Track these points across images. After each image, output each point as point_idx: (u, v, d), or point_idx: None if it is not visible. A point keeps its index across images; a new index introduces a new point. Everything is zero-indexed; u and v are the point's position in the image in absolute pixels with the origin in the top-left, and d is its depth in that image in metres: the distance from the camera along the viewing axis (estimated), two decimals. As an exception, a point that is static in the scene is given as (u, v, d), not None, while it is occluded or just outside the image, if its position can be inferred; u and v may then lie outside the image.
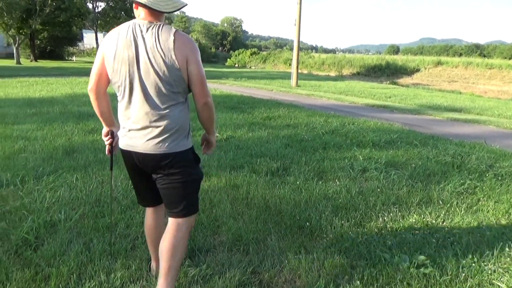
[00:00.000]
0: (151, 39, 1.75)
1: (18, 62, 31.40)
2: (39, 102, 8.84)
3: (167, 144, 1.84)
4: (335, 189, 3.74)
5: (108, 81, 1.88)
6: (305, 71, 44.54)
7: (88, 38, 54.67)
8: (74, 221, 2.91)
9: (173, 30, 1.78)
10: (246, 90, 14.42)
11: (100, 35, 54.47)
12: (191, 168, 1.95)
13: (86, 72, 21.59)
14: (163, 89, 1.78)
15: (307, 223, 2.95)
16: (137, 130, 1.84)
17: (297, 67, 17.47)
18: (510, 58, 72.98)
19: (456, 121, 8.77)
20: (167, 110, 1.82)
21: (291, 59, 53.43)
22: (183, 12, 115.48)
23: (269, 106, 9.05)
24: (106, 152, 2.13)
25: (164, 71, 1.75)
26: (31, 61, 37.24)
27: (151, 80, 1.77)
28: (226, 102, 9.29)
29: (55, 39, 42.95)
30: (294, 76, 17.26)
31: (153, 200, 2.11)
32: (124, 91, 1.82)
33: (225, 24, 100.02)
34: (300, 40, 17.84)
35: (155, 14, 1.80)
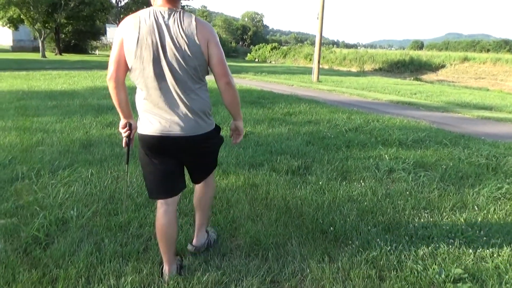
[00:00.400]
0: (174, 25, 1.81)
1: (43, 56, 32.06)
2: (60, 95, 8.88)
3: (203, 124, 1.96)
4: (360, 190, 3.52)
5: (127, 69, 1.88)
6: (326, 67, 43.85)
7: (111, 32, 55.42)
8: (86, 218, 2.79)
9: (193, 16, 1.86)
10: (266, 84, 14.20)
11: (111, 29, 55.16)
12: (218, 139, 2.16)
13: (107, 66, 21.70)
14: (190, 73, 1.85)
15: (331, 228, 2.75)
16: (171, 115, 1.88)
17: (319, 61, 17.12)
18: (542, 54, 70.24)
19: (487, 120, 8.33)
20: (197, 92, 1.90)
21: (312, 54, 52.63)
22: (204, 7, 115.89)
23: (290, 101, 8.82)
24: (123, 145, 2.12)
25: (189, 55, 1.82)
26: (56, 54, 38.02)
27: (178, 65, 1.82)
28: (246, 97, 9.11)
29: (79, 33, 43.76)
30: (315, 71, 16.92)
31: (173, 188, 2.07)
32: (148, 77, 1.83)
33: (246, 19, 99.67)
34: (323, 35, 17.45)
35: (173, 0, 1.86)
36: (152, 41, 1.79)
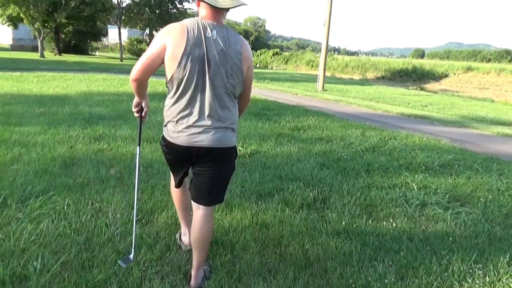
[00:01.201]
0: (222, 41, 1.84)
1: (42, 56, 31.49)
2: (51, 100, 8.26)
3: (230, 138, 2.00)
4: (392, 234, 2.90)
5: (155, 70, 1.89)
6: (328, 74, 43.31)
7: (113, 33, 54.95)
8: (52, 274, 2.17)
9: (239, 35, 1.93)
10: (270, 93, 13.61)
11: (123, 30, 54.74)
12: (234, 160, 2.16)
13: (106, 68, 21.26)
14: (228, 89, 1.90)
15: (366, 295, 2.14)
16: (203, 126, 1.90)
17: (324, 70, 16.55)
18: (543, 66, 69.87)
19: (508, 137, 7.74)
20: (230, 109, 1.95)
21: (314, 61, 52.13)
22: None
23: (297, 113, 8.22)
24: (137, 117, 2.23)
25: (231, 73, 1.87)
26: (55, 54, 37.46)
27: (220, 80, 1.86)
28: (250, 107, 8.49)
29: (80, 33, 43.25)
30: (320, 79, 16.35)
31: (184, 177, 2.26)
32: (189, 88, 1.86)
33: (248, 24, 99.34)
34: (322, 43, 16.83)
35: (218, 12, 1.87)
36: (199, 54, 1.81)
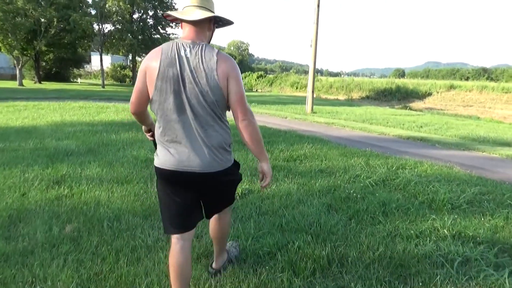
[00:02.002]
0: (195, 59, 1.78)
1: (21, 84, 30.40)
2: (15, 133, 7.38)
3: (220, 161, 1.89)
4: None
5: (148, 99, 1.87)
6: (314, 95, 43.29)
7: (96, 60, 54.15)
8: None
9: (215, 50, 1.82)
10: (258, 117, 12.84)
11: (106, 57, 54.07)
12: (236, 176, 2.13)
13: (85, 95, 20.34)
14: (208, 107, 1.81)
15: None
16: (188, 149, 1.83)
17: (313, 91, 16.03)
18: (519, 82, 71.76)
19: (519, 160, 7.14)
20: (215, 128, 1.86)
21: (298, 83, 52.25)
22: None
23: (289, 140, 7.50)
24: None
25: (207, 90, 1.79)
26: (35, 83, 36.37)
27: (196, 99, 1.79)
28: (237, 134, 7.77)
29: (61, 60, 42.39)
30: (309, 101, 15.80)
31: (190, 221, 2.02)
32: (168, 110, 1.81)
33: (232, 48, 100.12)
34: (306, 63, 16.38)
35: (195, 30, 1.85)
36: (173, 74, 1.77)
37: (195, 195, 1.97)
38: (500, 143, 9.08)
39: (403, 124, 12.04)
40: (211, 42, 2.03)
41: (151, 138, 2.21)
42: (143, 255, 2.70)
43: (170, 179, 1.90)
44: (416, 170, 5.38)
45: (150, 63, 1.79)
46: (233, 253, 2.61)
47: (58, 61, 42.82)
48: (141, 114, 2.01)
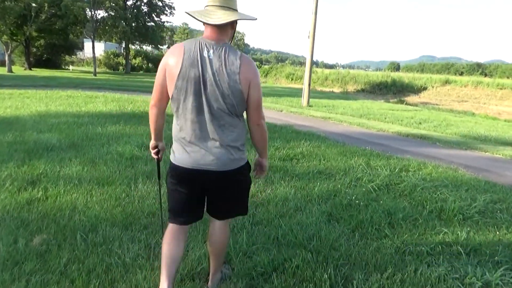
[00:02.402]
0: (218, 61, 1.78)
1: (10, 71, 29.57)
2: (-5, 124, 6.93)
3: (236, 159, 1.91)
4: None
5: (169, 96, 1.87)
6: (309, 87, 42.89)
7: (89, 46, 53.03)
8: None
9: (239, 53, 1.82)
10: (253, 110, 12.52)
11: (100, 44, 52.93)
12: (246, 176, 2.06)
13: (75, 84, 19.72)
14: (227, 109, 1.82)
15: None
16: (205, 148, 1.86)
17: (309, 84, 15.64)
18: (513, 78, 71.99)
19: (523, 162, 6.87)
20: (233, 128, 1.88)
21: (293, 74, 51.79)
22: (186, 24, 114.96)
23: (286, 136, 7.15)
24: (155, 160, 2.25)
25: (228, 94, 1.79)
26: (25, 69, 35.50)
27: (216, 101, 1.79)
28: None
29: (52, 47, 41.33)
30: (305, 94, 15.43)
31: (195, 215, 2.09)
32: (187, 109, 1.82)
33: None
34: (301, 55, 15.93)
35: (216, 30, 1.82)
36: (195, 75, 1.77)
37: (203, 193, 2.00)
38: (502, 143, 8.80)
39: (401, 120, 11.74)
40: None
41: (156, 157, 2.20)
42: (118, 276, 2.34)
43: (185, 177, 1.93)
44: (420, 173, 5.06)
45: (170, 61, 1.80)
46: (227, 274, 2.43)
47: (49, 48, 41.77)
48: (160, 110, 1.97)
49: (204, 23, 1.82)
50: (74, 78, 25.40)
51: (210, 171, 1.87)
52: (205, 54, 1.77)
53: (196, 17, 1.79)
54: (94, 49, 35.79)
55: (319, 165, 5.21)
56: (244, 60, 1.81)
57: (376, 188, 4.25)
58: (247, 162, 2.02)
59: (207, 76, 1.77)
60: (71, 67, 47.31)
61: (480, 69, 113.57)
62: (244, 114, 1.94)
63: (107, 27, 36.70)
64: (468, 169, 5.82)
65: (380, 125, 10.42)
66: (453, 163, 6.20)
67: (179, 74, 1.76)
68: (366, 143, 7.42)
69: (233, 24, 1.88)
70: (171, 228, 2.05)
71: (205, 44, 1.79)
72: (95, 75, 33.32)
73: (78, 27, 35.76)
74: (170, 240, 2.02)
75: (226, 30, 1.85)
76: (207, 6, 1.85)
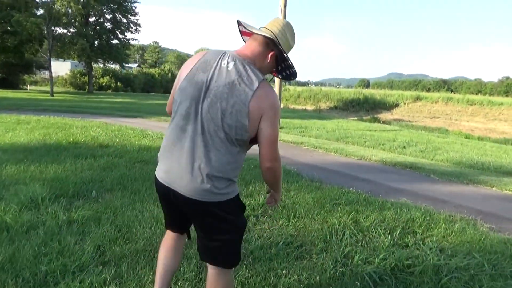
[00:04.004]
0: (235, 75, 1.60)
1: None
2: None
3: (211, 191, 1.62)
4: None
5: None
6: (281, 105, 41.97)
7: (57, 66, 50.08)
8: None
9: (262, 78, 1.63)
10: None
11: (64, 62, 50.06)
12: (234, 215, 1.73)
13: (19, 106, 17.18)
14: (221, 129, 1.59)
15: None
16: (180, 165, 1.64)
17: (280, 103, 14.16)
18: (477, 93, 74.22)
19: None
20: (221, 153, 1.62)
21: (267, 92, 51.24)
22: (156, 42, 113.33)
23: (246, 177, 5.50)
24: None
25: (231, 112, 1.57)
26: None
27: (214, 115, 1.58)
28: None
29: (9, 66, 38.46)
30: (275, 115, 13.93)
31: (184, 226, 1.99)
32: (181, 114, 1.65)
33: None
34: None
35: (251, 44, 1.70)
36: (201, 80, 1.62)
37: (180, 211, 1.79)
38: (503, 172, 7.49)
39: (383, 144, 10.37)
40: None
41: None
42: None
43: (159, 190, 1.78)
44: (433, 237, 3.49)
45: (185, 64, 1.72)
46: None
47: (5, 67, 38.91)
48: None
49: (243, 33, 1.77)
50: (23, 99, 23.04)
51: (179, 193, 1.64)
52: (224, 64, 1.61)
53: (246, 26, 1.70)
54: (51, 67, 33.34)
55: (287, 227, 3.57)
56: (264, 85, 1.60)
57: (378, 279, 2.63)
58: (234, 199, 1.69)
59: (214, 85, 1.58)
60: (29, 87, 44.36)
61: (446, 85, 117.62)
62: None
63: (65, 45, 34.37)
64: (485, 219, 4.36)
65: (361, 152, 8.96)
66: (462, 208, 4.74)
67: (187, 74, 1.65)
68: (348, 180, 5.88)
69: (272, 56, 1.69)
70: (166, 233, 2.02)
71: (230, 56, 1.63)
72: (52, 95, 30.88)
73: (33, 45, 33.31)
74: (166, 242, 2.00)
75: (263, 55, 1.68)
76: (262, 27, 1.74)
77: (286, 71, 1.78)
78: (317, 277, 2.62)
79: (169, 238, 2.01)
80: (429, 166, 7.55)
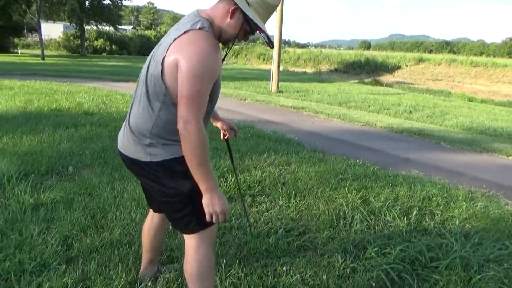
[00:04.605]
0: (173, 31, 1.48)
1: None
2: None
3: (136, 148, 1.55)
4: None
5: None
6: (280, 68, 40.79)
7: (48, 28, 48.36)
8: None
9: (197, 27, 1.40)
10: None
11: (56, 25, 48.34)
12: (168, 180, 1.54)
13: (4, 70, 16.62)
14: (143, 84, 1.51)
15: None
16: (125, 126, 1.63)
17: (278, 66, 13.45)
18: (480, 55, 72.52)
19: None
20: (145, 109, 1.50)
21: (265, 54, 49.50)
22: (151, 3, 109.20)
23: (242, 145, 5.01)
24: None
25: (153, 61, 1.48)
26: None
27: (147, 71, 1.51)
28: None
29: (-2, 29, 36.95)
30: (274, 78, 13.25)
31: (150, 204, 1.94)
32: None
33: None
34: (273, 34, 13.66)
35: (212, 7, 1.52)
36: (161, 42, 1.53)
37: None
38: (519, 139, 7.03)
39: (388, 109, 9.81)
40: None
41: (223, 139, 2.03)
42: None
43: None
44: (454, 219, 3.05)
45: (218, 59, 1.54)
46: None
47: (-6, 30, 37.41)
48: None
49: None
50: (11, 63, 22.11)
51: (119, 151, 1.64)
52: (183, 28, 1.44)
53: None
54: (41, 29, 31.98)
55: (288, 208, 3.13)
56: (195, 34, 1.38)
57: (396, 278, 2.20)
58: (165, 164, 1.51)
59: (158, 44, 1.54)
60: (19, 51, 42.95)
61: (448, 46, 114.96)
62: None
63: (54, 7, 32.77)
64: (508, 195, 3.93)
65: (365, 117, 8.43)
66: (479, 181, 4.31)
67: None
68: (353, 149, 5.42)
69: (231, 10, 1.44)
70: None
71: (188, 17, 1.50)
72: (43, 59, 29.74)
73: (20, 5, 31.73)
74: (146, 224, 1.98)
75: (222, 10, 1.46)
76: None
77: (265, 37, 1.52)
78: (324, 276, 2.18)
79: (149, 217, 1.96)
80: (438, 133, 7.06)
